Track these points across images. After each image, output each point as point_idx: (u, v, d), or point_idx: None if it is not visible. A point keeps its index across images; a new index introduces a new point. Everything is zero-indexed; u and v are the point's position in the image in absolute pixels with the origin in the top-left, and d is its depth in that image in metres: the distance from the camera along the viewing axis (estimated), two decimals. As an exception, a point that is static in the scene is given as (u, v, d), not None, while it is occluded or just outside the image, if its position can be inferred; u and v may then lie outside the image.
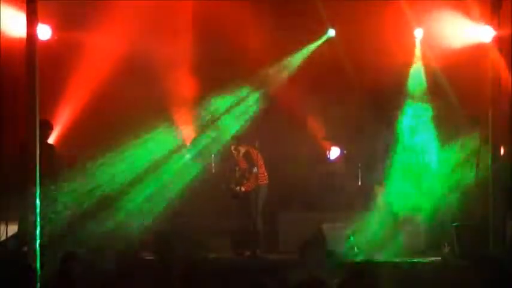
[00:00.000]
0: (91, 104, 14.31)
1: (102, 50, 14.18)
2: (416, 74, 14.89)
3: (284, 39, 14.64)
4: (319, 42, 15.20)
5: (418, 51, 14.93)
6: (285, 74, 15.06)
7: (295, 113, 15.09)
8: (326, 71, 15.05)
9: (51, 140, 13.25)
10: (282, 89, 15.06)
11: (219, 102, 14.81)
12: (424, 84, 14.77)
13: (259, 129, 14.37)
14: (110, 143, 14.08)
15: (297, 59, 15.14)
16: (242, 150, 13.62)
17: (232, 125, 14.56)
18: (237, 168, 13.62)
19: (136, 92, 14.28)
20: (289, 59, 15.11)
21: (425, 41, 14.87)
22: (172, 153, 14.50)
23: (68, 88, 14.30)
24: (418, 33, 14.87)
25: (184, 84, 14.83)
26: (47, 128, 12.62)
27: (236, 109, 14.82)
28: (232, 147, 13.71)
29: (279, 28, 14.54)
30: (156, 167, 14.24)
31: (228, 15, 14.10)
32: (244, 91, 14.85)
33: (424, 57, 14.88)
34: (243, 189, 13.45)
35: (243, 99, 14.87)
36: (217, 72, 14.59)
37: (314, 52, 15.18)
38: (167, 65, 14.63)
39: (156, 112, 14.69)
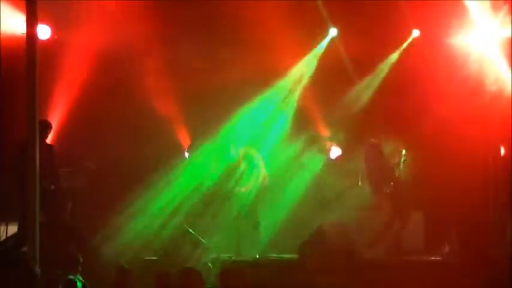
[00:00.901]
0: (85, 104, 14.36)
1: (100, 51, 14.24)
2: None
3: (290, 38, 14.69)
4: (324, 43, 15.27)
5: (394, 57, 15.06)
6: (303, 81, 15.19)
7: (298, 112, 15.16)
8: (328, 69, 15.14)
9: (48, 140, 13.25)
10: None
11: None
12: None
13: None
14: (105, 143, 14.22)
15: (310, 62, 15.22)
16: (242, 151, 13.60)
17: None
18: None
19: (134, 92, 14.35)
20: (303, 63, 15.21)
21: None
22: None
23: (61, 88, 14.35)
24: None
25: (184, 85, 14.83)
26: (46, 128, 12.59)
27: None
28: (232, 149, 13.69)
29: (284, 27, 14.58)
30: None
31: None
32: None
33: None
34: (242, 189, 13.43)
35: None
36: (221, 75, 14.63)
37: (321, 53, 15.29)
38: (169, 66, 14.67)
39: (155, 113, 14.74)
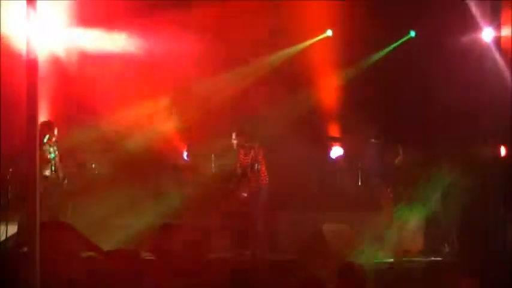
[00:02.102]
0: (85, 103, 14.41)
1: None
2: None
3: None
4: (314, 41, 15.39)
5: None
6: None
7: (298, 111, 15.18)
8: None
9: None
10: (280, 86, 15.18)
11: None
12: None
13: (261, 128, 14.45)
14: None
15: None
16: (244, 148, 13.59)
17: None
18: (239, 165, 13.57)
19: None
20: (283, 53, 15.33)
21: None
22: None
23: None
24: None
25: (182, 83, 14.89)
26: (51, 129, 12.61)
27: None
28: (235, 145, 13.67)
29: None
30: None
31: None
32: None
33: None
34: (245, 194, 13.43)
35: None
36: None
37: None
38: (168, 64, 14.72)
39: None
